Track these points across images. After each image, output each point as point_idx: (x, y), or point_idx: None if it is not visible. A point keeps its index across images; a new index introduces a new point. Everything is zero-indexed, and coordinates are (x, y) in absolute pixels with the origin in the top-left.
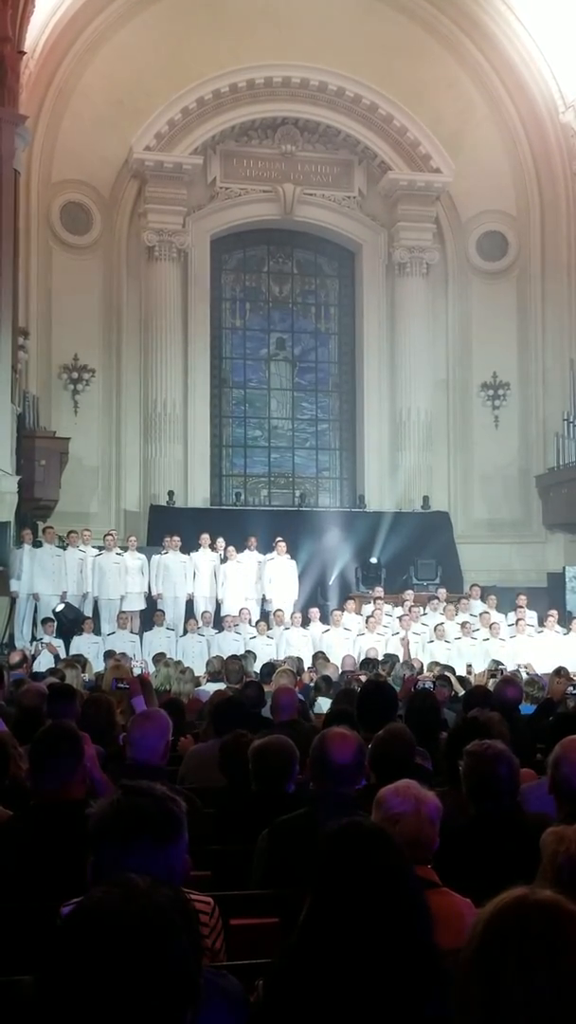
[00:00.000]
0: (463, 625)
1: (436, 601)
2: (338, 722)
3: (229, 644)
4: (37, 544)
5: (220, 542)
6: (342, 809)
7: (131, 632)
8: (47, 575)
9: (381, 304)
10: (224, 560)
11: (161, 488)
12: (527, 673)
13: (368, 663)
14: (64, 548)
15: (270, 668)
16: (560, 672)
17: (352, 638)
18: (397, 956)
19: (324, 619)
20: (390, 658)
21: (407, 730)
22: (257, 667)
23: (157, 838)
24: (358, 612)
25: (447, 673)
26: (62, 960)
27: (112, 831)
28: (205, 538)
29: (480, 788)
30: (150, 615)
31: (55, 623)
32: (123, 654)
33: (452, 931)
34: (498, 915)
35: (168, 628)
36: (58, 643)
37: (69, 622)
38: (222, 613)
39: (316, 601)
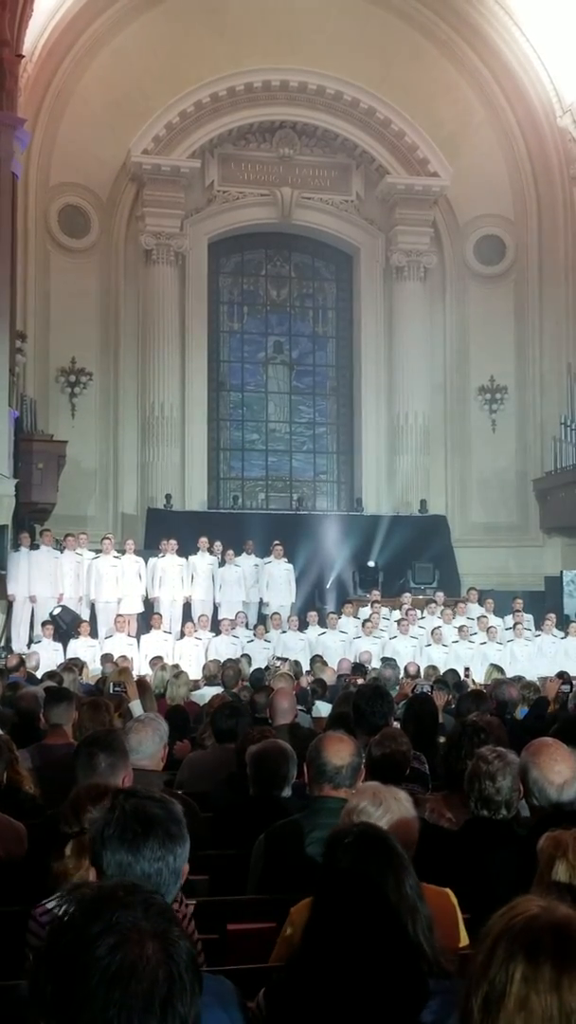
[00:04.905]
0: (460, 629)
1: (433, 605)
2: (338, 726)
3: (226, 647)
4: (34, 547)
5: (217, 545)
6: (336, 814)
7: (128, 635)
8: (44, 578)
9: (379, 308)
10: (221, 563)
11: (158, 491)
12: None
13: (359, 667)
14: (61, 551)
15: (260, 674)
16: (561, 676)
17: (349, 641)
18: (398, 963)
19: (322, 623)
20: (388, 662)
21: (403, 734)
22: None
23: (165, 841)
24: (355, 616)
25: (446, 678)
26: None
27: (121, 836)
28: (203, 541)
29: (485, 793)
30: (147, 618)
31: (53, 626)
32: (123, 657)
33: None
34: (508, 931)
35: (165, 631)
36: (56, 646)
37: (66, 625)
38: (219, 616)
39: (313, 605)
